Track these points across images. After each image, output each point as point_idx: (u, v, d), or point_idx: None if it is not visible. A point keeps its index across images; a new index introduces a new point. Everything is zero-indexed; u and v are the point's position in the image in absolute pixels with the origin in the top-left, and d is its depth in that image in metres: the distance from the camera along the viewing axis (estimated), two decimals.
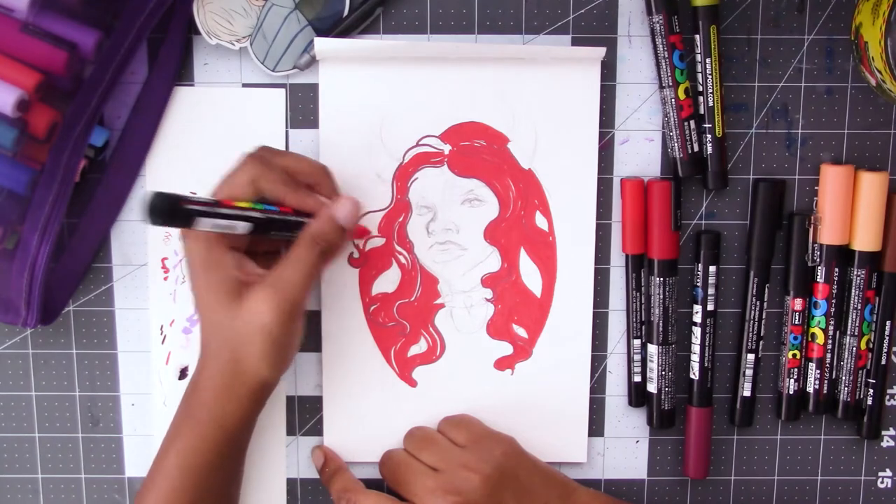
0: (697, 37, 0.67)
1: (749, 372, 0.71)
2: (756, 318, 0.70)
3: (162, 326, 0.71)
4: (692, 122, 0.68)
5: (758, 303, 0.70)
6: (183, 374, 0.72)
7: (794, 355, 0.71)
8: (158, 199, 0.56)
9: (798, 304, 0.70)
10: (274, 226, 0.62)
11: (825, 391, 0.71)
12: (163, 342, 0.71)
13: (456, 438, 0.70)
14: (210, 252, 0.62)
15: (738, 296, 0.71)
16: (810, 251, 0.69)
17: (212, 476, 0.65)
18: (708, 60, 0.67)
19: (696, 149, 0.68)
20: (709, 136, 0.68)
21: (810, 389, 0.71)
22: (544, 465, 0.71)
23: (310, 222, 0.63)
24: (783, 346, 0.71)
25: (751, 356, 0.71)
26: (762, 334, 0.71)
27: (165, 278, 0.71)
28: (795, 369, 0.71)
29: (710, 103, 0.68)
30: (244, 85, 0.69)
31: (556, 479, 0.70)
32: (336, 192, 0.66)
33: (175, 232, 0.70)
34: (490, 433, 0.70)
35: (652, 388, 0.71)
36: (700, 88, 0.68)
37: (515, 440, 0.70)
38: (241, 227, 0.60)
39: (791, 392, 0.71)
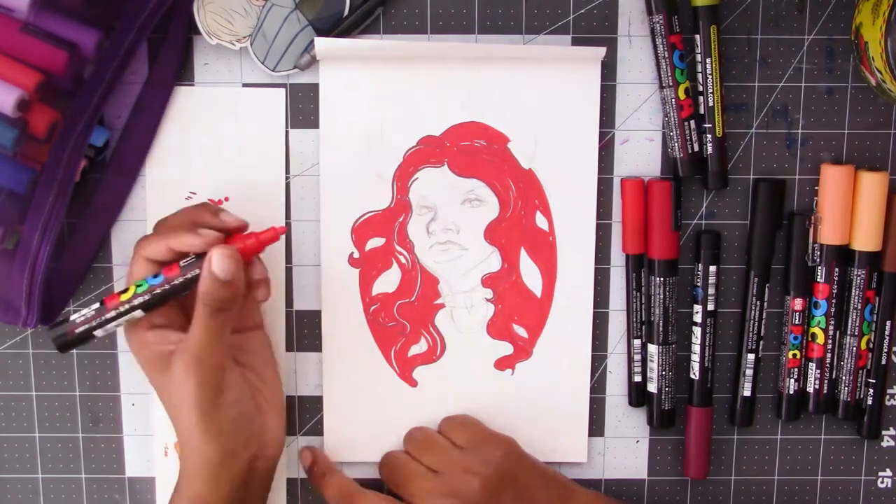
0: (697, 37, 0.67)
1: (749, 372, 0.71)
2: (756, 317, 0.70)
3: None
4: (692, 122, 0.68)
5: (758, 303, 0.70)
6: None
7: (795, 355, 0.71)
8: (53, 336, 0.63)
9: (798, 304, 0.70)
10: (170, 295, 0.63)
11: (825, 391, 0.71)
12: None
13: (456, 440, 0.70)
14: (133, 336, 0.64)
15: (739, 296, 0.71)
16: (810, 251, 0.69)
17: None
18: (708, 60, 0.67)
19: (696, 149, 0.68)
20: (709, 136, 0.68)
21: (810, 389, 0.71)
22: (544, 466, 0.71)
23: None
24: (783, 346, 0.71)
25: (751, 356, 0.71)
26: (762, 334, 0.71)
27: None
28: (795, 369, 0.71)
29: (711, 103, 0.67)
30: (244, 85, 0.69)
31: (555, 480, 0.70)
32: (220, 223, 0.64)
33: None
34: (490, 434, 0.70)
35: (652, 388, 0.71)
36: (700, 88, 0.68)
37: (515, 441, 0.70)
38: (138, 314, 0.63)
39: (791, 392, 0.71)
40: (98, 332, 0.63)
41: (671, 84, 0.67)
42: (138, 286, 0.62)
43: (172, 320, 0.65)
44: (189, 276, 0.62)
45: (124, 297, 0.62)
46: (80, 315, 0.63)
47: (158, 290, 0.62)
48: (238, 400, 0.63)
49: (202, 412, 0.62)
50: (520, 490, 0.68)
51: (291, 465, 0.73)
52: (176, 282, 0.62)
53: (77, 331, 0.63)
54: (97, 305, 0.63)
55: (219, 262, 0.61)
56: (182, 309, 0.65)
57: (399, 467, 0.70)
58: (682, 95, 0.67)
